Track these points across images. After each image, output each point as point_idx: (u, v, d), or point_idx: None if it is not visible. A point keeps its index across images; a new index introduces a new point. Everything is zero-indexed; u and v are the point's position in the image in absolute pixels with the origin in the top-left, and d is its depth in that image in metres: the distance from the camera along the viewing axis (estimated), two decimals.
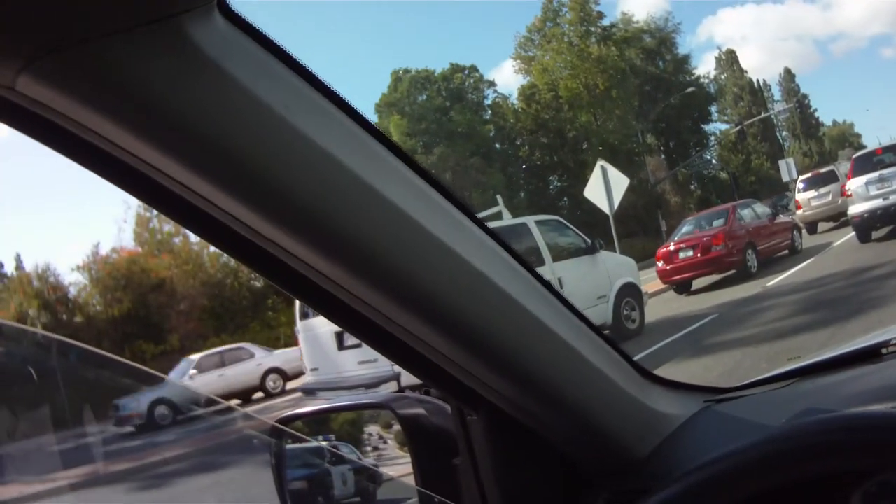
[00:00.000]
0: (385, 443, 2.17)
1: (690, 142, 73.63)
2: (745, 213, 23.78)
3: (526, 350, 1.35)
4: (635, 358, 1.59)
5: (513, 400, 1.43)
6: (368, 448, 2.25)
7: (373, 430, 2.23)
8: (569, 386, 1.46)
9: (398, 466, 1.95)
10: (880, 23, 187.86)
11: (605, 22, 67.81)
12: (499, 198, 17.30)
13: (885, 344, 1.91)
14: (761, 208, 25.23)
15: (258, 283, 38.19)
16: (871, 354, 1.91)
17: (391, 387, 11.41)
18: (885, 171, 20.29)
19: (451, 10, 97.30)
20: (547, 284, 1.43)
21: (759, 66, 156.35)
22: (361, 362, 11.85)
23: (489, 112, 65.32)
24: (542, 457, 1.55)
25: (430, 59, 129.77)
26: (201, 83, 0.90)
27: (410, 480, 1.72)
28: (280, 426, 2.09)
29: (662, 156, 71.70)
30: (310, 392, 13.62)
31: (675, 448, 1.64)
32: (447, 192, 1.20)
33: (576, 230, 15.52)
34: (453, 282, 1.18)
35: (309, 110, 1.01)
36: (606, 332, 14.34)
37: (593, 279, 15.02)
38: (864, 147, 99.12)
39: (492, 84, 67.84)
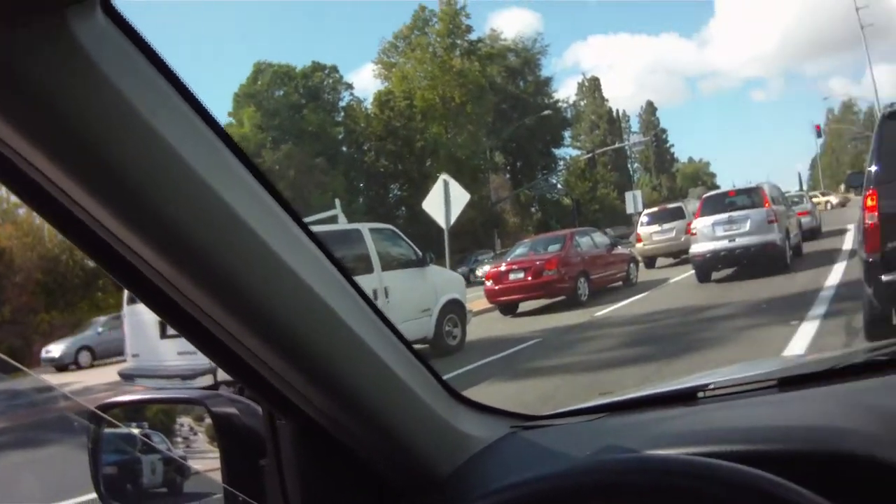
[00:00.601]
0: (195, 435, 2.15)
1: (539, 164, 74.05)
2: (583, 240, 23.99)
3: (334, 358, 1.39)
4: (454, 374, 1.77)
5: (320, 407, 1.45)
6: (179, 439, 2.23)
7: (185, 421, 2.21)
8: (375, 399, 1.49)
9: (207, 460, 1.92)
10: (756, 66, 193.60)
11: (473, 36, 68.30)
12: (337, 201, 17.38)
13: (703, 388, 1.96)
14: (600, 238, 25.47)
15: (92, 263, 37.23)
16: (686, 397, 1.97)
17: (207, 379, 11.40)
18: (734, 214, 20.72)
19: (323, 8, 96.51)
20: (363, 294, 1.47)
21: (623, 95, 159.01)
22: (181, 353, 11.63)
23: (342, 114, 64.91)
24: (348, 467, 1.59)
25: (294, 55, 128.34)
26: (76, 79, 0.92)
27: (218, 476, 1.72)
28: (98, 412, 2.06)
29: (507, 175, 72.19)
30: (128, 377, 13.40)
31: (477, 470, 1.67)
32: (278, 194, 1.25)
33: (408, 241, 15.59)
34: (268, 283, 1.22)
35: (172, 116, 1.04)
36: (427, 345, 14.49)
37: (420, 292, 15.13)
38: (717, 187, 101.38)
39: (349, 87, 67.41)
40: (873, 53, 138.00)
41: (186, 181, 1.06)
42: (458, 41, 65.24)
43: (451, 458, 1.66)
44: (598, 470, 1.27)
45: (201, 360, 11.12)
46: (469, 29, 67.38)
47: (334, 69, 65.75)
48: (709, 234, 20.62)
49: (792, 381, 1.97)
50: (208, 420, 1.83)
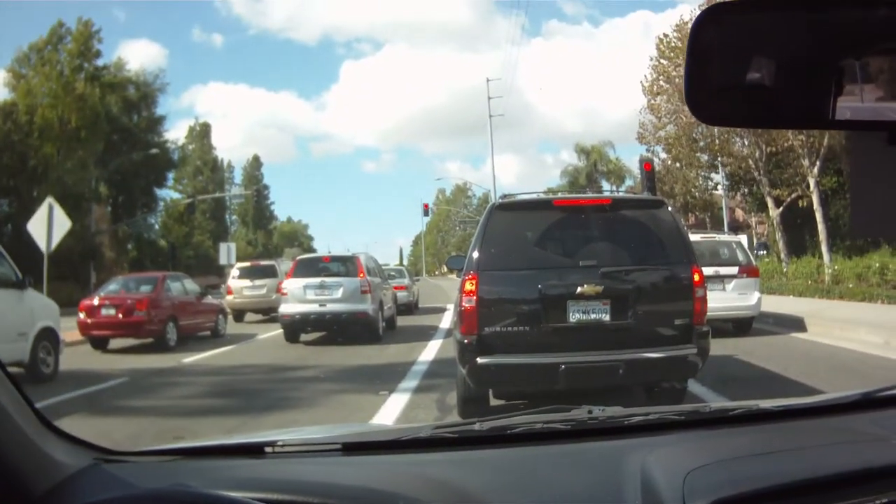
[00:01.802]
0: None
1: (140, 202, 71.29)
2: (175, 285, 23.77)
3: None
4: (47, 403, 1.96)
5: None
6: None
7: None
8: None
9: None
10: (372, 136, 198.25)
11: (100, 62, 65.67)
12: None
13: (271, 444, 2.19)
14: (191, 285, 25.22)
15: None
16: (255, 450, 2.21)
17: None
18: (327, 280, 21.38)
19: None
20: None
21: (232, 145, 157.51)
22: None
23: None
24: None
25: None
26: None
27: None
28: None
29: (109, 208, 69.77)
30: None
31: (62, 495, 1.77)
32: None
33: (11, 262, 15.02)
34: None
35: None
36: (21, 370, 13.85)
37: (17, 314, 14.70)
38: (314, 249, 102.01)
39: None
40: (499, 143, 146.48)
41: None
42: (86, 64, 62.74)
43: (40, 481, 1.74)
44: (159, 499, 1.42)
45: None
46: (98, 53, 64.94)
47: None
48: (299, 296, 21.13)
49: (356, 447, 2.29)
50: None
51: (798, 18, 1.47)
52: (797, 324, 19.99)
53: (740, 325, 18.89)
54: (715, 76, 1.51)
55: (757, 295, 19.15)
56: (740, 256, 19.81)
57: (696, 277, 9.05)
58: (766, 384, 12.05)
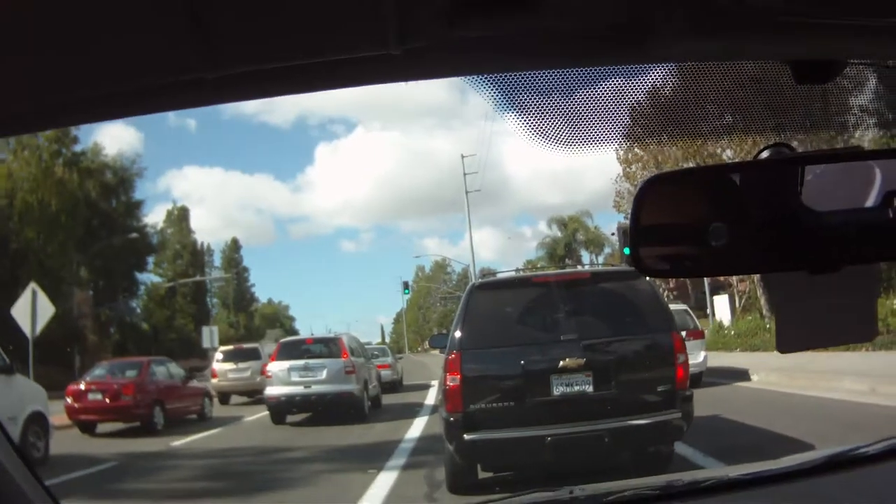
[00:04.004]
0: None
1: (121, 286, 71.32)
2: (160, 370, 23.88)
3: None
4: None
5: None
6: None
7: None
8: None
9: None
10: (350, 216, 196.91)
11: (78, 147, 65.83)
12: None
13: None
14: (176, 369, 25.31)
15: None
16: None
17: None
18: (311, 361, 21.57)
19: None
20: None
21: (210, 228, 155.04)
22: None
23: None
24: None
25: None
26: None
27: None
28: None
29: (91, 292, 69.46)
30: None
31: None
32: None
33: None
34: None
35: None
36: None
37: (5, 399, 14.67)
38: (296, 330, 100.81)
39: None
40: (477, 218, 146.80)
41: None
42: (64, 149, 62.90)
43: None
44: None
45: None
46: (76, 139, 64.76)
47: None
48: (284, 378, 21.23)
49: None
50: None
51: (725, 184, 1.68)
52: (742, 375, 23.24)
53: (691, 380, 19.88)
54: (657, 236, 1.69)
55: (703, 353, 22.03)
56: (689, 322, 22.80)
57: (677, 344, 9.34)
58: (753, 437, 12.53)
